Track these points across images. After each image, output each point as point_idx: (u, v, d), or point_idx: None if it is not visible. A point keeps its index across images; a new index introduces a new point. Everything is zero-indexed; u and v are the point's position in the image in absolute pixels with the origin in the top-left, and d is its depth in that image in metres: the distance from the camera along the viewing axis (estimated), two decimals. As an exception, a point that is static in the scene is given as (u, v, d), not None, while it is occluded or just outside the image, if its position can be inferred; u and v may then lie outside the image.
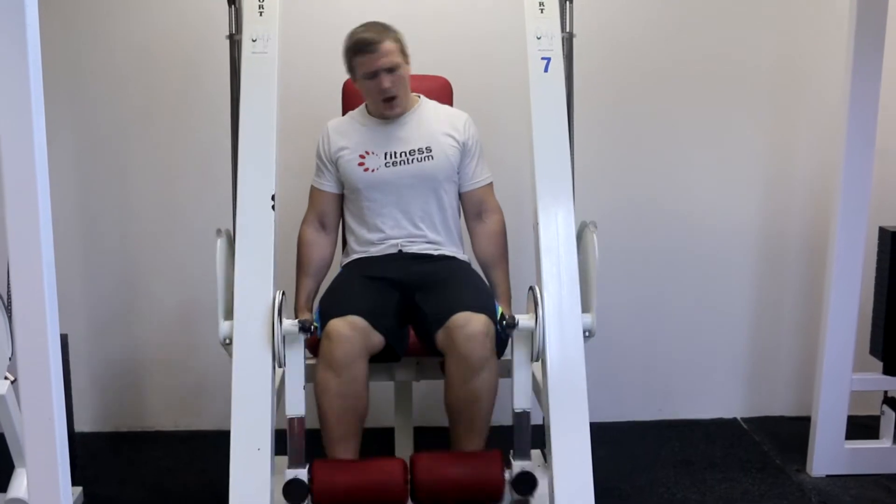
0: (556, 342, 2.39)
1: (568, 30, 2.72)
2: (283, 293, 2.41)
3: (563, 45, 2.65)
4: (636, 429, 3.54)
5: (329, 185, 2.83)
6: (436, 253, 2.77)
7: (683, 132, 3.43)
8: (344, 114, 2.97)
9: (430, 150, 2.76)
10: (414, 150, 2.76)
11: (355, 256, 2.82)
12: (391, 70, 2.68)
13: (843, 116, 2.95)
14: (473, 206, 2.84)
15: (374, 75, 2.68)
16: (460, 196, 2.85)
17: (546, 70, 2.58)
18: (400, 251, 2.75)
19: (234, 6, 2.70)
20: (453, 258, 2.79)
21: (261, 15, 2.60)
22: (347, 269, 2.82)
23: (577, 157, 2.66)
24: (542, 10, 2.64)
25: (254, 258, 2.43)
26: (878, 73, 2.91)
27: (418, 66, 2.82)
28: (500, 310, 2.64)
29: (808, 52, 3.44)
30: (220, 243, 2.52)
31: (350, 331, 2.49)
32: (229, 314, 2.43)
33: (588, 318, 2.48)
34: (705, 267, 3.56)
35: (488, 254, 2.82)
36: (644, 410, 3.61)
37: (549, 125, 2.57)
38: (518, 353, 2.43)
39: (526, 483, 2.38)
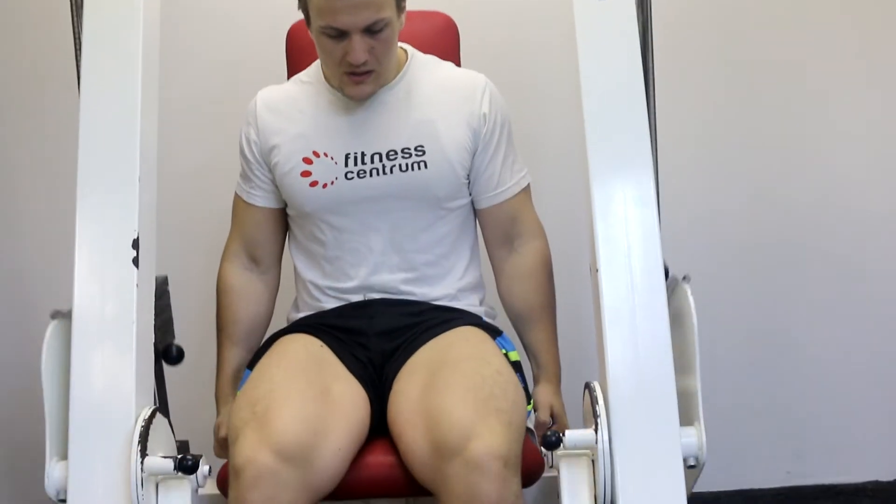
0: (635, 484, 1.55)
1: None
2: (155, 410, 1.57)
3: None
4: (756, 500, 3.00)
5: (261, 197, 1.97)
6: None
7: (821, 89, 2.76)
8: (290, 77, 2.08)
9: (423, 151, 1.90)
10: (395, 152, 1.90)
11: (303, 314, 1.98)
12: (373, 30, 1.78)
13: None
14: (499, 228, 1.99)
15: (339, 34, 1.77)
16: (476, 213, 2.00)
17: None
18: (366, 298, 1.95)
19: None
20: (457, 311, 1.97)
21: None
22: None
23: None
24: None
25: (99, 356, 1.59)
26: None
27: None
28: (532, 411, 1.87)
29: None
30: (53, 331, 1.67)
31: (277, 462, 1.60)
32: (64, 450, 1.60)
33: (692, 438, 1.64)
34: (853, 280, 2.91)
35: (523, 303, 2.00)
36: (767, 475, 3.05)
37: (609, 89, 1.72)
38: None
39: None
